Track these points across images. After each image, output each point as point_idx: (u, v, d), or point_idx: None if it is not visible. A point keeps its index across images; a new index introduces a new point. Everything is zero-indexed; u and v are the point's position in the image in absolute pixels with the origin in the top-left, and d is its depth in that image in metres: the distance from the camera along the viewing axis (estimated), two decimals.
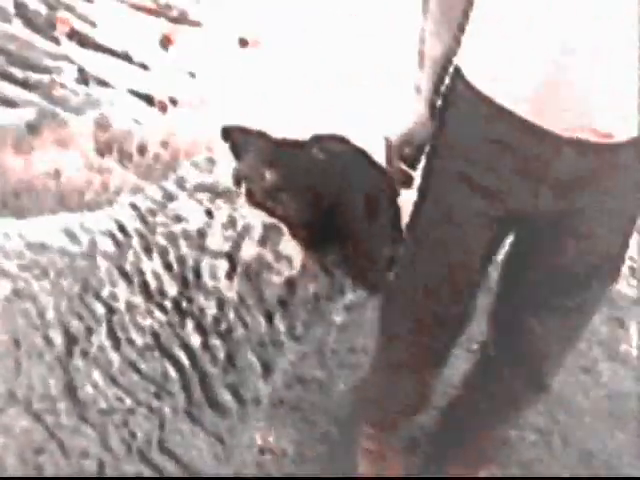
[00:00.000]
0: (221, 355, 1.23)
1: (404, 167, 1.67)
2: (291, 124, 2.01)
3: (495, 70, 1.51)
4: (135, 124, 3.14)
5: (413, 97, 1.70)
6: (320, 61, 3.89)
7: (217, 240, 1.21)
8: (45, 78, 3.30)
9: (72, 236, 1.26)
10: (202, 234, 1.21)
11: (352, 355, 2.38)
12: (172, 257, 1.21)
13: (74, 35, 3.66)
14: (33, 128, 2.97)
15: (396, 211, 1.38)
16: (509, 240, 1.78)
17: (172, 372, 1.21)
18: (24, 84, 3.25)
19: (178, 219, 1.23)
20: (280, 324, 1.26)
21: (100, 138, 3.05)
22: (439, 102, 1.67)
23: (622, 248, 1.67)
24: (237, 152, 1.28)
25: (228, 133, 1.31)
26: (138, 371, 1.19)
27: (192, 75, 3.66)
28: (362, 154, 1.36)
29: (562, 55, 1.41)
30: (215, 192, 1.24)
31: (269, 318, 1.25)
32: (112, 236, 1.24)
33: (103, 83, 3.42)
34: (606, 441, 2.35)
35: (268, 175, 1.23)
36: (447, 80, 1.65)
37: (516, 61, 1.46)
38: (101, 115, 3.15)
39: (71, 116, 3.11)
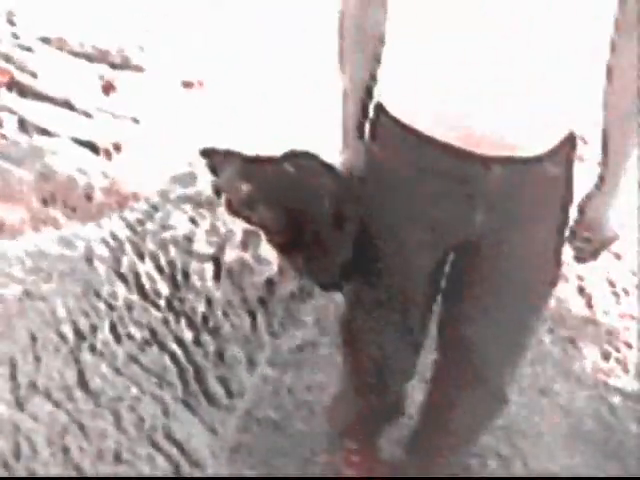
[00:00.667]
0: (211, 349, 1.33)
1: None
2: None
3: (415, 102, 1.57)
4: (79, 172, 3.11)
5: (343, 136, 1.75)
6: (264, 95, 3.92)
7: (202, 245, 1.32)
8: None
9: (68, 244, 1.36)
10: (189, 240, 1.33)
11: (308, 393, 2.37)
12: (163, 261, 1.32)
13: (14, 85, 3.63)
14: None
15: (354, 219, 1.51)
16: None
17: (170, 364, 1.31)
18: None
19: (165, 227, 1.34)
20: (261, 321, 1.38)
21: (44, 188, 3.01)
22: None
23: (555, 257, 1.73)
24: (214, 168, 1.40)
25: (207, 153, 1.45)
26: (140, 363, 1.29)
27: (135, 120, 3.65)
28: (329, 168, 1.50)
29: (478, 83, 1.48)
30: (197, 202, 1.35)
31: (252, 316, 1.36)
32: (106, 243, 1.34)
33: (45, 132, 3.39)
34: (566, 461, 2.37)
35: (244, 187, 1.34)
36: (371, 114, 1.71)
37: (434, 92, 1.53)
38: (44, 165, 3.12)
39: (14, 167, 3.07)
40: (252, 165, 1.41)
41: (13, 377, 1.25)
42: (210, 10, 4.62)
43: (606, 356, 2.90)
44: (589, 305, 3.17)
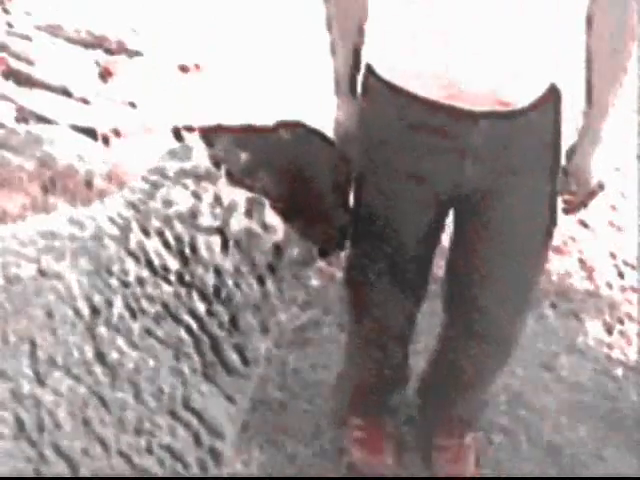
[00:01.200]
0: (225, 319, 1.35)
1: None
2: None
3: (402, 61, 1.64)
4: (78, 159, 3.11)
5: (335, 93, 1.83)
6: (260, 78, 3.91)
7: (207, 218, 1.34)
8: None
9: (78, 224, 1.37)
10: (193, 214, 1.34)
11: (313, 373, 2.38)
12: (169, 236, 1.34)
13: (10, 74, 3.62)
14: None
15: (348, 183, 1.56)
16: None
17: (185, 336, 1.33)
18: None
19: (169, 203, 1.34)
20: (271, 287, 1.39)
21: (44, 176, 3.02)
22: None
23: (549, 205, 1.79)
24: (209, 141, 1.39)
25: (200, 129, 1.43)
26: (155, 336, 1.32)
27: (133, 105, 3.65)
28: (321, 135, 1.51)
29: (461, 39, 1.54)
30: (197, 176, 1.35)
31: (261, 282, 1.38)
32: (113, 221, 1.36)
33: (43, 120, 3.39)
34: (570, 434, 2.39)
35: (242, 156, 1.35)
36: (360, 77, 1.78)
37: (419, 51, 1.59)
38: (43, 153, 3.12)
39: (13, 156, 3.07)
40: (247, 134, 1.42)
41: (32, 354, 1.27)
42: None
43: (609, 329, 2.91)
44: (591, 279, 3.18)
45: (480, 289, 1.84)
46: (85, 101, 3.63)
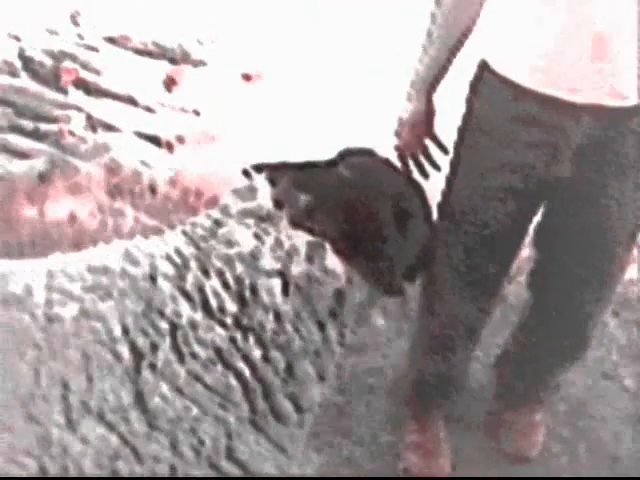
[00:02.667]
0: (281, 366, 1.31)
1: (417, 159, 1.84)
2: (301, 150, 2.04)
3: (515, 55, 1.70)
4: (144, 166, 3.20)
5: (409, 89, 1.86)
6: (324, 87, 3.94)
7: (269, 261, 1.30)
8: (54, 127, 3.38)
9: (132, 260, 1.34)
10: (255, 256, 1.30)
11: (371, 376, 2.39)
12: (229, 277, 1.30)
13: (80, 83, 3.75)
14: (45, 177, 3.04)
15: (427, 214, 1.49)
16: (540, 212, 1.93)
17: (235, 383, 1.28)
18: (34, 135, 3.33)
19: (230, 243, 1.32)
20: (332, 333, 1.35)
21: (111, 182, 3.11)
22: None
23: (636, 212, 1.82)
24: (272, 180, 1.37)
25: (261, 167, 1.41)
26: (203, 383, 1.27)
27: (197, 113, 3.73)
28: (387, 164, 1.47)
29: (578, 38, 1.59)
30: (259, 217, 1.33)
31: (322, 328, 1.33)
32: (170, 259, 1.33)
33: (110, 128, 3.49)
34: (631, 445, 2.34)
35: (302, 198, 1.31)
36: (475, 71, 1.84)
37: (531, 43, 1.65)
38: (110, 159, 3.22)
39: (81, 163, 3.18)
40: (307, 173, 1.38)
41: (65, 398, 1.23)
42: (267, 2, 4.66)
43: None
44: None
45: (566, 280, 1.90)
46: (150, 109, 3.73)
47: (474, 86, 1.83)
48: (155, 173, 3.19)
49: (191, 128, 3.55)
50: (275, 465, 1.33)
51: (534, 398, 2.23)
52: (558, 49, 1.62)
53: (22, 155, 3.18)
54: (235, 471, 1.28)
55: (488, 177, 1.80)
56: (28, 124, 3.38)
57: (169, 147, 3.43)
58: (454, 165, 1.87)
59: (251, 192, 1.37)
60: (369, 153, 1.46)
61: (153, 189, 3.13)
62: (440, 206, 1.91)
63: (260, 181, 1.37)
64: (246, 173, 1.41)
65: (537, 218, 1.96)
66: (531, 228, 1.98)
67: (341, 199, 1.34)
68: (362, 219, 1.33)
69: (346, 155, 1.43)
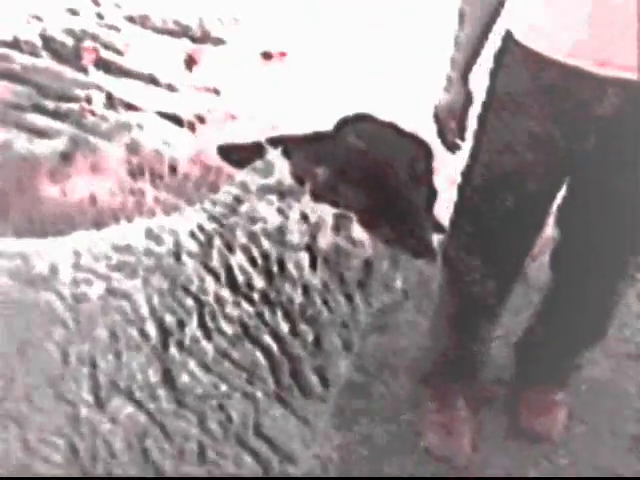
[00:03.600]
0: (309, 339, 1.30)
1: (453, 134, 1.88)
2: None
3: (541, 27, 1.68)
4: (164, 145, 3.20)
5: (449, 72, 1.88)
6: (346, 66, 3.91)
7: (295, 235, 1.29)
8: (75, 107, 3.39)
9: (155, 238, 1.34)
10: (281, 231, 1.29)
11: (391, 356, 2.39)
12: (256, 253, 1.29)
13: (101, 63, 3.75)
14: (66, 156, 3.05)
15: (431, 174, 1.48)
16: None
17: (262, 359, 1.28)
18: (55, 114, 3.34)
19: (254, 219, 1.31)
20: (359, 303, 1.34)
21: (132, 161, 3.11)
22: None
23: None
24: (287, 153, 1.36)
25: (275, 141, 1.39)
26: (230, 359, 1.27)
27: (217, 92, 3.71)
28: (394, 127, 1.45)
29: (608, 11, 1.55)
30: (280, 192, 1.32)
31: (350, 299, 1.33)
32: (194, 236, 1.32)
33: (132, 107, 3.49)
34: None
35: (320, 172, 1.30)
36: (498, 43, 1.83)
37: (559, 15, 1.63)
38: (131, 139, 3.22)
39: (102, 142, 3.18)
40: (320, 145, 1.37)
41: (93, 377, 1.24)
42: None
43: None
44: None
45: (588, 259, 1.89)
46: (171, 88, 3.72)
47: (498, 58, 1.82)
48: (176, 152, 3.19)
49: (211, 107, 3.54)
50: (301, 440, 1.34)
51: (555, 378, 2.22)
52: (586, 20, 1.59)
53: (44, 134, 3.19)
54: (262, 447, 1.29)
55: (511, 149, 1.78)
56: (50, 104, 3.39)
57: (190, 126, 3.42)
58: (478, 138, 1.86)
59: (268, 168, 1.36)
60: (369, 118, 1.44)
61: (174, 168, 3.13)
62: (463, 179, 1.91)
63: (276, 156, 1.36)
64: (260, 147, 1.40)
65: (560, 197, 1.93)
66: (554, 208, 1.96)
67: (358, 169, 1.33)
68: (382, 186, 1.33)
69: (348, 122, 1.42)
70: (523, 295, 2.46)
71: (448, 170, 2.60)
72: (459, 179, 1.97)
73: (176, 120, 3.44)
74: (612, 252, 1.88)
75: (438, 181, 1.46)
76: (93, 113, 3.36)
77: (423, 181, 1.42)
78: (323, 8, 4.48)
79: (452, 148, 1.90)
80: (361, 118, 1.44)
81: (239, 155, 1.42)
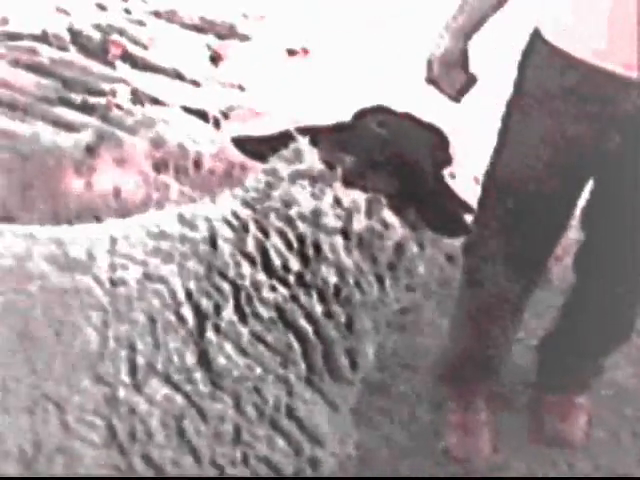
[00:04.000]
0: (342, 320, 1.34)
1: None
2: None
3: (569, 26, 1.68)
4: (189, 140, 3.21)
5: (441, 35, 1.83)
6: (369, 63, 3.90)
7: (330, 218, 1.32)
8: (101, 101, 3.41)
9: (190, 224, 1.36)
10: (316, 214, 1.33)
11: (412, 356, 2.38)
12: (292, 236, 1.32)
13: (127, 57, 3.77)
14: (92, 150, 3.07)
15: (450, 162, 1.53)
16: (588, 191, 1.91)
17: (295, 342, 1.31)
18: (82, 108, 3.36)
19: (288, 204, 1.34)
20: (389, 285, 1.38)
21: (156, 155, 3.13)
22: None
23: None
24: (314, 142, 1.39)
25: (302, 130, 1.42)
26: (265, 342, 1.29)
27: (242, 88, 3.72)
28: (411, 118, 1.50)
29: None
30: (312, 178, 1.35)
31: (380, 281, 1.36)
32: (228, 222, 1.34)
33: (157, 102, 3.51)
34: None
35: (347, 159, 1.34)
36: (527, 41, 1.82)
37: (587, 15, 1.62)
38: (156, 133, 3.23)
39: (128, 136, 3.20)
40: (345, 135, 1.41)
41: (131, 359, 1.26)
42: None
43: None
44: None
45: (611, 261, 1.89)
46: (196, 84, 3.74)
47: (526, 55, 1.81)
48: (200, 147, 3.20)
49: (236, 103, 3.55)
50: (330, 423, 1.36)
51: (577, 381, 2.21)
52: (613, 21, 1.59)
53: (70, 127, 3.21)
54: (293, 429, 1.31)
55: (536, 149, 1.78)
56: (76, 97, 3.42)
57: (215, 122, 3.43)
58: (502, 136, 1.86)
59: (297, 155, 1.39)
60: (387, 109, 1.48)
61: (198, 163, 3.14)
62: (485, 178, 1.90)
63: (304, 144, 1.39)
64: (287, 136, 1.42)
65: (585, 197, 1.93)
66: (579, 209, 1.95)
67: (384, 155, 1.37)
68: (407, 171, 1.37)
69: (366, 113, 1.46)
70: (546, 298, 2.44)
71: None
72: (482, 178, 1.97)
73: (201, 115, 3.45)
74: (636, 253, 1.86)
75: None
76: (119, 107, 3.38)
77: (443, 167, 1.48)
78: (346, 4, 4.47)
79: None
80: (379, 109, 1.48)
81: (256, 147, 1.46)
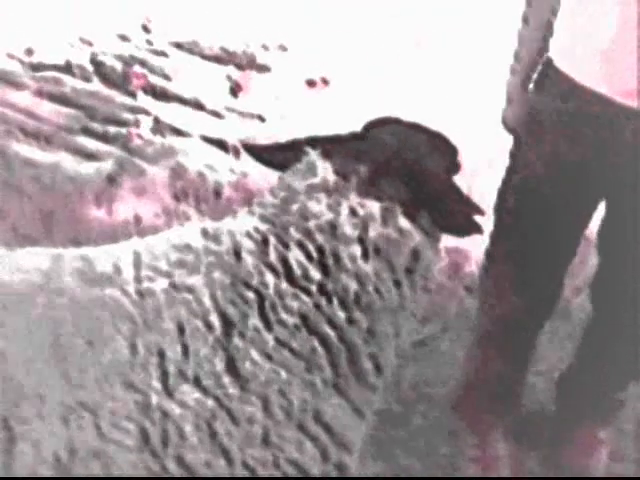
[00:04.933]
0: (364, 326, 1.37)
1: None
2: None
3: (574, 52, 1.71)
4: (209, 169, 3.24)
5: (509, 79, 1.92)
6: (389, 93, 3.93)
7: (347, 228, 1.36)
8: (123, 130, 3.46)
9: (213, 238, 1.39)
10: (333, 226, 1.36)
11: (428, 387, 2.37)
12: (311, 248, 1.36)
13: (149, 88, 3.82)
14: (113, 179, 3.10)
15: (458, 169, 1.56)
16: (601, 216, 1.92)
17: (319, 348, 1.34)
18: (103, 137, 3.41)
19: (306, 217, 1.37)
20: (407, 290, 1.41)
21: (176, 185, 3.16)
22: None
23: None
24: (326, 154, 1.43)
25: (313, 142, 1.46)
26: (290, 348, 1.33)
27: (262, 119, 3.76)
28: (420, 128, 1.53)
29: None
30: (327, 190, 1.38)
31: (398, 286, 1.40)
32: (250, 236, 1.38)
33: (178, 132, 3.55)
34: None
35: (361, 169, 1.38)
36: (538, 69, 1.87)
37: (591, 43, 1.65)
38: (177, 163, 3.27)
39: (148, 165, 3.24)
40: (358, 144, 1.44)
41: (161, 366, 1.29)
42: (331, 8, 4.68)
43: None
44: None
45: (624, 287, 1.88)
46: (217, 114, 3.78)
47: (539, 82, 1.84)
48: (220, 177, 3.22)
49: (256, 133, 3.58)
50: (355, 429, 1.38)
51: (597, 415, 2.18)
52: (618, 49, 1.60)
53: (91, 157, 3.25)
54: (321, 433, 1.33)
55: (544, 173, 1.80)
56: (98, 127, 3.47)
57: (235, 152, 3.46)
58: (513, 159, 1.88)
59: (311, 168, 1.41)
60: (395, 120, 1.52)
61: (218, 192, 3.16)
62: (498, 199, 1.93)
63: (316, 156, 1.42)
64: (298, 148, 1.45)
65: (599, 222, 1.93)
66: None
67: (396, 164, 1.40)
68: (419, 179, 1.40)
69: (375, 124, 1.50)
70: (566, 330, 2.43)
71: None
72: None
73: (221, 145, 3.48)
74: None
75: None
76: (140, 137, 3.43)
77: (453, 173, 1.51)
78: (366, 35, 4.52)
79: None
80: (388, 120, 1.52)
81: (272, 156, 1.50)
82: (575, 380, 2.16)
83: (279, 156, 1.48)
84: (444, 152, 1.50)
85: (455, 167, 1.52)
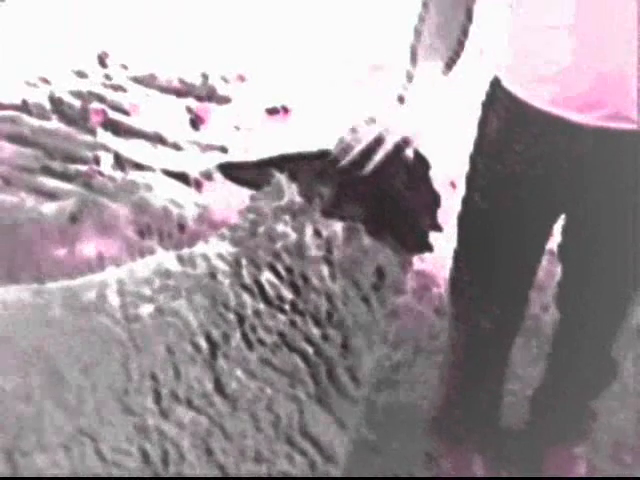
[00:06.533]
0: (338, 341, 1.42)
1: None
2: None
3: (522, 71, 1.69)
4: (172, 203, 3.21)
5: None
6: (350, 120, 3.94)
7: (313, 250, 1.40)
8: (83, 168, 3.42)
9: (189, 262, 1.44)
10: (300, 247, 1.41)
11: (404, 413, 2.35)
12: (280, 268, 1.40)
13: (108, 124, 3.80)
14: (75, 218, 3.06)
15: (427, 180, 1.58)
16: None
17: (300, 363, 1.38)
18: (64, 176, 3.37)
19: (273, 239, 1.41)
20: (376, 305, 1.46)
21: (140, 220, 3.13)
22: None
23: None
24: (293, 174, 1.46)
25: (276, 163, 1.49)
26: (272, 365, 1.37)
27: (224, 150, 3.75)
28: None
29: (586, 49, 1.56)
30: (293, 212, 1.43)
31: (367, 302, 1.44)
32: (223, 259, 1.42)
33: (139, 167, 3.52)
34: None
35: (324, 191, 1.42)
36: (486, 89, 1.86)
37: (540, 64, 1.64)
38: (140, 198, 3.24)
39: (110, 202, 3.20)
40: (323, 164, 1.47)
41: (155, 389, 1.33)
42: (291, 37, 4.71)
43: None
44: None
45: (588, 296, 1.90)
46: (178, 147, 3.76)
47: (486, 103, 1.85)
48: (184, 211, 3.20)
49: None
50: (340, 441, 1.42)
51: (572, 430, 2.18)
52: (566, 67, 1.60)
53: (53, 196, 3.21)
54: (308, 446, 1.38)
55: (498, 191, 1.81)
56: (58, 166, 3.43)
57: (197, 185, 3.44)
58: (470, 178, 1.88)
59: (278, 191, 1.45)
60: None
61: (182, 226, 3.14)
62: (458, 220, 1.93)
63: (283, 179, 1.46)
64: (266, 173, 1.48)
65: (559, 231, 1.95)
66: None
67: (359, 183, 1.43)
68: (381, 196, 1.43)
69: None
70: (537, 348, 2.44)
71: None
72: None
73: (183, 178, 3.46)
74: (611, 287, 1.85)
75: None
76: (101, 174, 3.39)
77: (421, 188, 1.53)
78: (325, 62, 4.55)
79: None
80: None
81: (244, 175, 1.53)
82: (548, 396, 2.16)
83: (252, 174, 1.52)
84: (411, 166, 1.51)
85: (424, 182, 1.55)
